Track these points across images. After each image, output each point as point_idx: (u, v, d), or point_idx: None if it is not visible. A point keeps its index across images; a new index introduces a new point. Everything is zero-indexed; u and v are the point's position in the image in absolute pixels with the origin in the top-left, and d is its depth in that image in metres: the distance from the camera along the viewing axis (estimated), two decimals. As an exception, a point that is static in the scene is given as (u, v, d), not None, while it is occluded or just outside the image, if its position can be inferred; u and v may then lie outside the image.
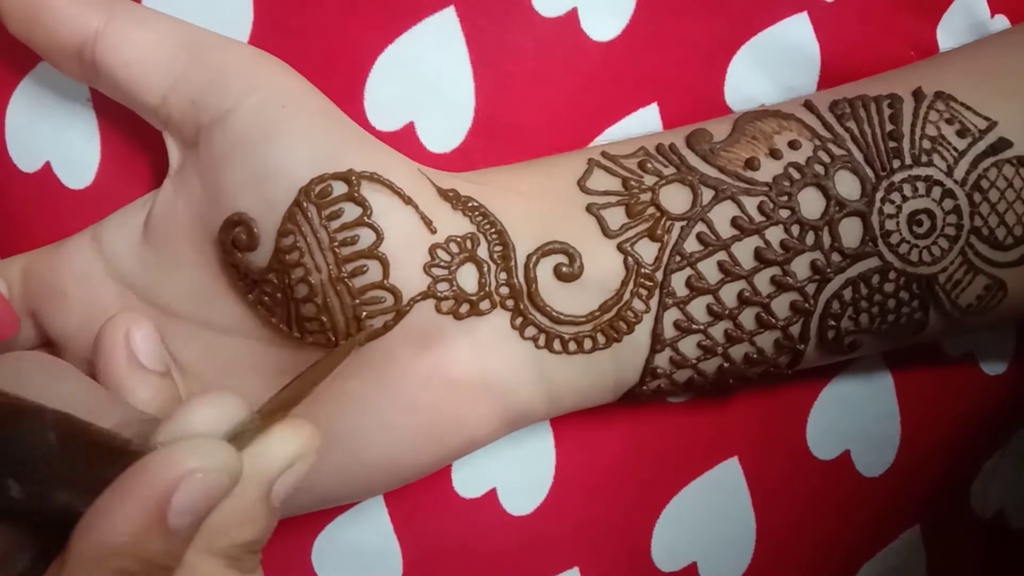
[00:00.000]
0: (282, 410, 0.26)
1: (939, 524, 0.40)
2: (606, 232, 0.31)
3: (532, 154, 0.34)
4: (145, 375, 0.30)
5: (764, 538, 0.38)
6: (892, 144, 0.32)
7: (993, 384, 0.39)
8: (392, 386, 0.30)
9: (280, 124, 0.29)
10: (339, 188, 0.29)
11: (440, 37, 0.33)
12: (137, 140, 0.33)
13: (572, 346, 0.31)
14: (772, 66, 0.35)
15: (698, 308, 0.31)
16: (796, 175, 0.31)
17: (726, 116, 0.33)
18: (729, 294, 0.31)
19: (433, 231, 0.30)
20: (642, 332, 0.31)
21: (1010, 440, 0.40)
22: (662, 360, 0.32)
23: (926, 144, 0.32)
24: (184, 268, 0.31)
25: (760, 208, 0.31)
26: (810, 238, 0.31)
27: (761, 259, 0.31)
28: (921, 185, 0.31)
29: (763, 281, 0.31)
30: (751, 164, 0.31)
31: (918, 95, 0.32)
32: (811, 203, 0.31)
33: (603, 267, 0.31)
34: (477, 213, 0.31)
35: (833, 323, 0.32)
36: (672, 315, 0.31)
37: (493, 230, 0.30)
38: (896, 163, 0.31)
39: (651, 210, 0.31)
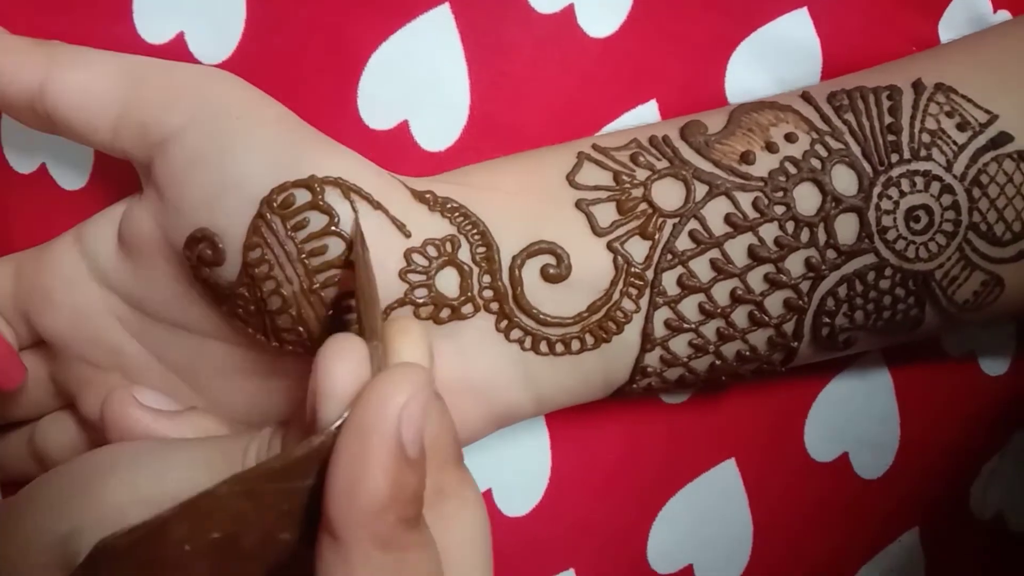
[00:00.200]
0: (378, 326, 0.26)
1: (938, 526, 0.40)
2: (595, 230, 0.30)
3: (528, 153, 0.34)
4: (176, 418, 0.30)
5: (761, 540, 0.38)
6: (891, 137, 0.31)
7: (993, 385, 0.39)
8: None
9: (235, 135, 0.29)
10: (302, 197, 0.28)
11: (435, 34, 0.33)
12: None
13: (559, 348, 0.31)
14: (773, 62, 0.35)
15: (689, 307, 0.31)
16: (792, 170, 0.31)
17: (722, 108, 0.33)
18: (721, 292, 0.31)
19: (407, 235, 0.29)
20: (632, 332, 0.31)
21: (1010, 442, 0.40)
22: (652, 359, 0.31)
23: (925, 138, 0.31)
24: (158, 280, 0.31)
25: (755, 204, 0.30)
26: (805, 235, 0.31)
27: (755, 257, 0.30)
28: (920, 180, 0.31)
29: (756, 279, 0.31)
30: (746, 158, 0.31)
31: (918, 87, 0.32)
32: (807, 199, 0.31)
33: (592, 267, 0.30)
34: (457, 214, 0.30)
35: (827, 320, 0.31)
36: (663, 314, 0.31)
37: (475, 231, 0.30)
38: (894, 157, 0.31)
39: (643, 206, 0.31)
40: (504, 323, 0.30)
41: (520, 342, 0.30)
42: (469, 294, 0.30)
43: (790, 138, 0.31)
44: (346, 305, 0.29)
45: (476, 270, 0.30)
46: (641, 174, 0.31)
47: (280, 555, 0.24)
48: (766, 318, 0.31)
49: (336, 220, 0.28)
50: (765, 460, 0.37)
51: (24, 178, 0.34)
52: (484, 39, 0.33)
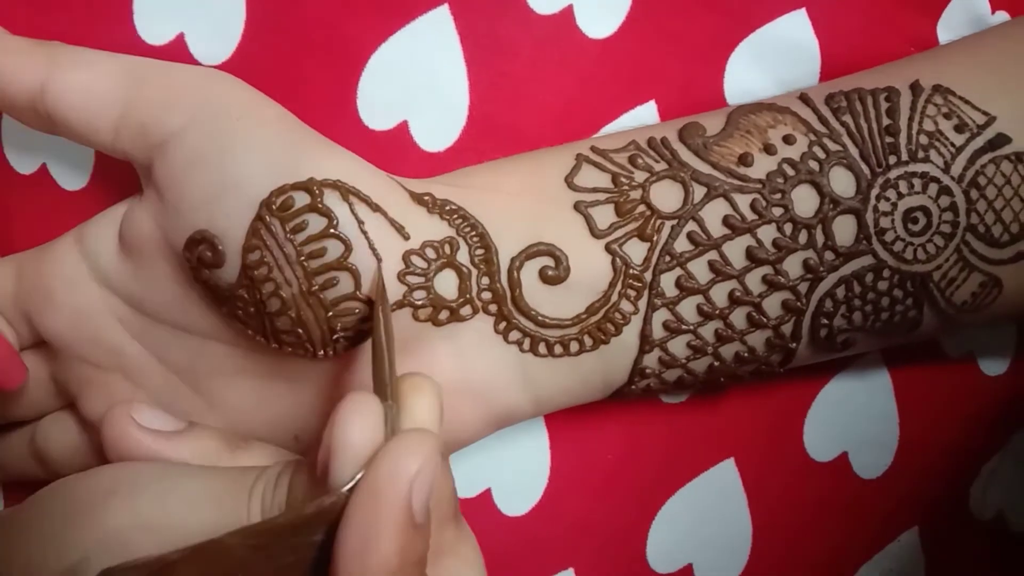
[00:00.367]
0: (390, 382, 0.26)
1: (938, 526, 0.40)
2: (594, 232, 0.30)
3: (527, 154, 0.34)
4: (175, 438, 0.30)
5: (760, 540, 0.38)
6: (889, 139, 0.31)
7: (993, 385, 0.39)
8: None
9: (234, 136, 0.29)
10: (301, 199, 0.28)
11: (434, 35, 0.33)
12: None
13: (557, 349, 0.31)
14: (772, 63, 0.35)
15: (688, 308, 0.31)
16: (790, 171, 0.31)
17: (720, 109, 0.33)
18: (720, 294, 0.31)
19: (406, 237, 0.29)
20: (630, 333, 0.31)
21: (1009, 442, 0.40)
22: (651, 360, 0.31)
23: (923, 139, 0.31)
24: (159, 280, 0.31)
25: (753, 206, 0.31)
26: (803, 236, 0.31)
27: (753, 258, 0.31)
28: (917, 182, 0.31)
29: (754, 280, 0.31)
30: (744, 160, 0.31)
31: (916, 88, 0.32)
32: (805, 200, 0.31)
33: (590, 268, 0.30)
34: (456, 216, 0.30)
35: (825, 321, 0.31)
36: (661, 316, 0.31)
37: (474, 233, 0.30)
38: (892, 159, 0.31)
39: (641, 208, 0.31)
40: (503, 325, 0.30)
41: (519, 344, 0.31)
42: (468, 296, 0.30)
43: (788, 140, 0.31)
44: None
45: (475, 272, 0.30)
46: (639, 176, 0.31)
47: None
48: (764, 319, 0.31)
49: (335, 222, 0.28)
50: (764, 460, 0.37)
51: (25, 178, 0.34)
52: (483, 40, 0.33)
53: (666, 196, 0.31)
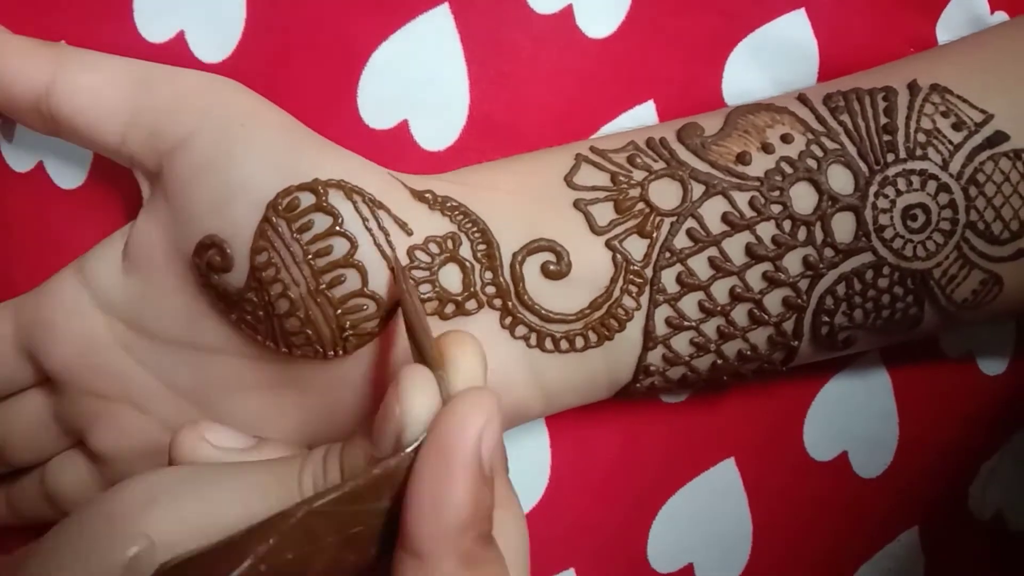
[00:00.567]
0: (433, 346, 0.26)
1: (937, 526, 0.39)
2: (594, 228, 0.30)
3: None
4: (249, 454, 0.30)
5: (761, 539, 0.37)
6: (886, 137, 0.31)
7: (992, 385, 0.39)
8: (382, 386, 0.30)
9: (241, 142, 0.29)
10: (307, 199, 0.29)
11: (434, 35, 0.33)
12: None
13: (564, 344, 0.31)
14: (770, 63, 0.35)
15: (689, 305, 0.31)
16: (788, 169, 0.31)
17: (718, 110, 0.33)
18: (720, 290, 0.31)
19: (409, 233, 0.29)
20: (634, 329, 0.31)
21: (1009, 441, 0.40)
22: (655, 357, 0.31)
23: (921, 137, 0.31)
24: (166, 294, 0.31)
25: (751, 203, 0.31)
26: (802, 233, 0.31)
27: (752, 255, 0.31)
28: (916, 179, 0.31)
29: (755, 277, 0.31)
30: (742, 158, 0.31)
31: (913, 88, 0.32)
32: (803, 198, 0.31)
33: (591, 264, 0.30)
34: (457, 212, 0.30)
35: (827, 319, 0.31)
36: (663, 312, 0.31)
37: (475, 229, 0.30)
38: (890, 157, 0.31)
39: (640, 206, 0.31)
40: (508, 319, 0.30)
41: (525, 339, 0.31)
42: (472, 290, 0.30)
43: (786, 139, 0.31)
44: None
45: (478, 267, 0.30)
46: (638, 175, 0.31)
47: None
48: (766, 316, 0.31)
49: (340, 220, 0.29)
50: (764, 459, 0.37)
51: (21, 176, 0.34)
52: (483, 39, 0.33)
53: (665, 194, 0.31)
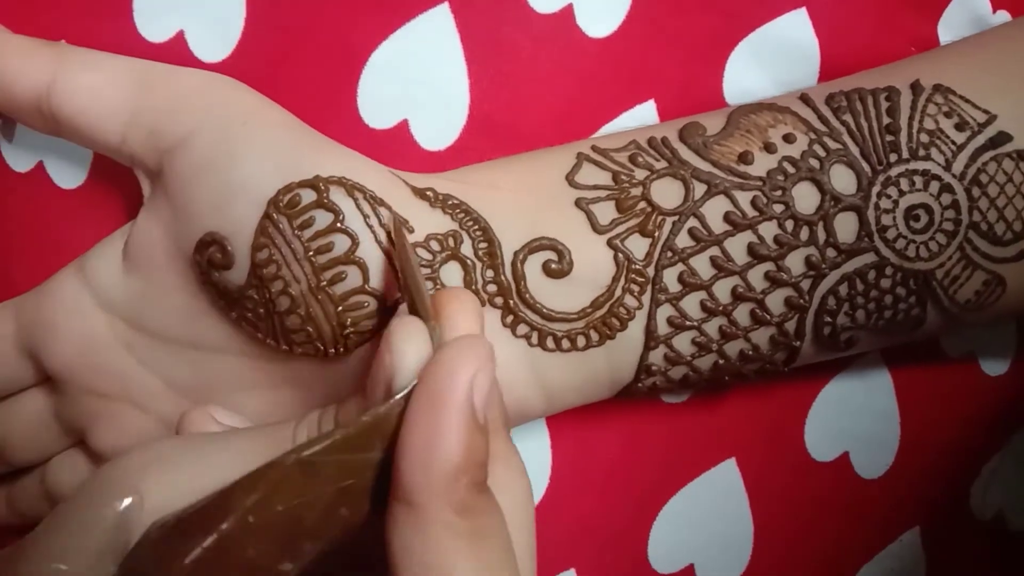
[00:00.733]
0: (427, 301, 0.26)
1: (938, 526, 0.39)
2: (595, 227, 0.30)
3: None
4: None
5: (762, 540, 0.37)
6: (889, 138, 0.31)
7: (993, 385, 0.39)
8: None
9: (242, 140, 0.29)
10: (308, 196, 0.29)
11: (434, 34, 0.33)
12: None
13: (565, 343, 0.31)
14: (771, 62, 0.35)
15: (691, 304, 0.31)
16: (790, 169, 0.31)
17: (720, 109, 0.33)
18: (722, 290, 0.31)
19: (411, 230, 0.29)
20: (635, 329, 0.31)
21: (1010, 442, 0.40)
22: (656, 357, 0.31)
23: (924, 138, 0.31)
24: (167, 293, 0.31)
25: (753, 203, 0.31)
26: (804, 233, 0.31)
27: (754, 254, 0.31)
28: (919, 179, 0.31)
29: (757, 277, 0.31)
30: (744, 158, 0.31)
31: (916, 88, 0.32)
32: (806, 197, 0.31)
33: (593, 263, 0.30)
34: (458, 211, 0.30)
35: (829, 319, 0.31)
36: (665, 311, 0.31)
37: (476, 227, 0.30)
38: (893, 157, 0.31)
39: (642, 205, 0.31)
40: (510, 318, 0.30)
41: (527, 337, 0.31)
42: (473, 288, 0.30)
43: (788, 139, 0.31)
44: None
45: (479, 265, 0.30)
46: (640, 174, 0.31)
47: (337, 532, 0.24)
48: (768, 316, 0.31)
49: (341, 217, 0.29)
50: (765, 460, 0.37)
51: (21, 176, 0.34)
52: (483, 39, 0.33)
53: (666, 193, 0.31)
